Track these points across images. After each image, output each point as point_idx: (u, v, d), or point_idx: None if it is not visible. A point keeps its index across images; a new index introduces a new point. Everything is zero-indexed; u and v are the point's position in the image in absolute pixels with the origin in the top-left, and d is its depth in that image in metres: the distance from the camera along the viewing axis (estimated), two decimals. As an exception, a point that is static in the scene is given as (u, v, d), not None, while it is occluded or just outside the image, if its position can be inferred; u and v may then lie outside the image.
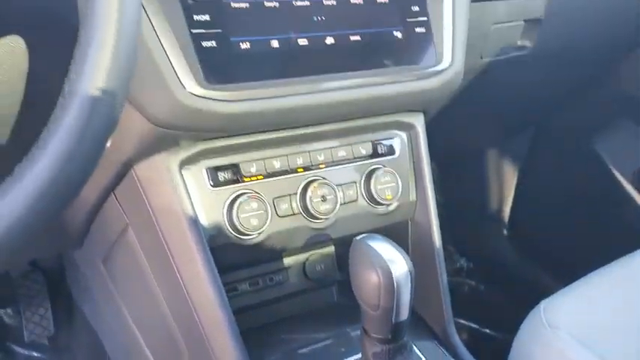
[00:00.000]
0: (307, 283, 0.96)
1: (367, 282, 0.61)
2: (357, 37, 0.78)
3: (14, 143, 0.72)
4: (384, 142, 0.91)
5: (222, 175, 0.78)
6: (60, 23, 0.65)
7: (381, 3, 0.80)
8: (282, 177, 0.81)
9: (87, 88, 0.43)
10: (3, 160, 0.57)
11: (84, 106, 0.43)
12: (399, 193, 0.89)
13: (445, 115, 1.00)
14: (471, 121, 1.37)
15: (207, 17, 0.68)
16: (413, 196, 0.93)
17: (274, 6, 0.73)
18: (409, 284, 0.61)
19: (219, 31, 0.69)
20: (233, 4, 0.70)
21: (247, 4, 0.71)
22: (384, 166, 0.89)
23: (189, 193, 0.75)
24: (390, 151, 0.91)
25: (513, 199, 1.70)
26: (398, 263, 0.61)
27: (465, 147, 1.65)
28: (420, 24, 0.82)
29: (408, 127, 0.92)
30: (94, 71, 0.43)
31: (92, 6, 0.44)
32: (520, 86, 1.30)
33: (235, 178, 0.78)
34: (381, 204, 0.88)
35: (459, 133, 1.42)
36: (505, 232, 1.72)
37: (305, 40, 0.74)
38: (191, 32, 0.67)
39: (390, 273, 0.60)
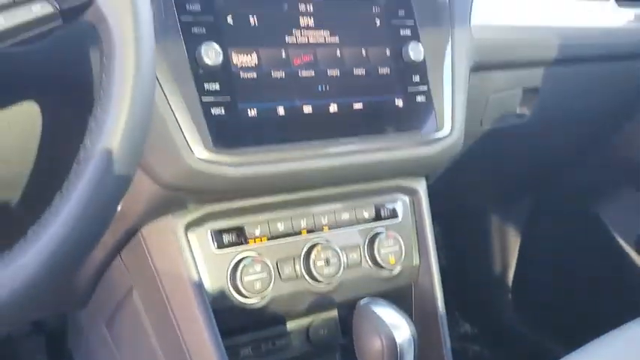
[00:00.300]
0: (310, 348, 0.95)
1: (371, 348, 0.61)
2: (360, 105, 0.81)
3: (25, 205, 0.73)
4: (387, 205, 0.92)
5: (226, 238, 0.79)
6: (74, 89, 0.67)
7: (383, 73, 0.83)
8: (286, 239, 0.82)
9: (101, 156, 0.45)
10: (14, 221, 0.59)
11: (98, 173, 0.44)
12: (403, 257, 0.90)
13: (447, 180, 1.02)
14: (472, 185, 1.39)
15: (217, 86, 0.71)
16: (416, 260, 0.94)
17: (281, 76, 0.76)
18: (412, 350, 0.61)
19: (228, 98, 0.71)
20: (242, 74, 0.73)
21: (255, 74, 0.74)
22: (387, 230, 0.90)
23: (193, 256, 0.76)
24: (393, 214, 0.93)
25: (516, 262, 1.70)
26: (401, 329, 0.61)
27: (468, 210, 1.66)
28: (421, 93, 0.85)
29: (411, 192, 0.93)
30: (109, 140, 0.45)
31: (108, 75, 0.46)
32: (520, 152, 1.33)
33: (239, 240, 0.79)
34: (385, 268, 0.89)
35: (461, 197, 1.44)
36: (509, 296, 1.71)
37: (310, 107, 0.77)
38: (201, 100, 0.69)
39: (394, 339, 0.60)
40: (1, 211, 0.74)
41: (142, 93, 0.47)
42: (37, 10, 0.45)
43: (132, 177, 0.49)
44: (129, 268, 0.82)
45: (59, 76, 0.65)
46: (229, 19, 0.73)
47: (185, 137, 0.68)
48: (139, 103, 0.47)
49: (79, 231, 0.44)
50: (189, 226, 0.76)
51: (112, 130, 0.45)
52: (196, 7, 0.71)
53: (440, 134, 0.86)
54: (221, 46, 0.70)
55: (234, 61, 0.73)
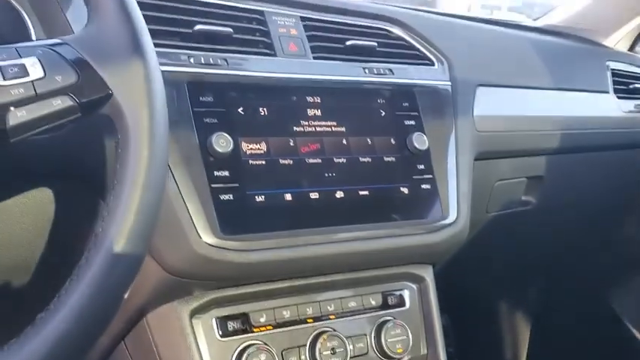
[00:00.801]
0: None
1: None
2: (366, 192, 0.82)
3: (34, 291, 0.74)
4: (394, 293, 0.92)
5: (231, 325, 0.78)
6: (87, 176, 0.69)
7: (389, 161, 0.85)
8: (292, 327, 0.81)
9: (112, 244, 0.45)
10: (23, 307, 0.59)
11: (108, 261, 0.45)
12: (410, 346, 0.88)
13: (454, 267, 1.02)
14: (480, 271, 1.38)
15: (226, 173, 0.72)
16: (424, 350, 0.92)
17: (288, 163, 0.78)
18: None
19: (237, 185, 0.73)
20: (251, 162, 0.75)
21: (264, 161, 0.76)
22: (395, 318, 0.89)
23: (198, 344, 0.75)
24: (401, 302, 0.92)
25: (527, 352, 1.66)
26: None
27: (476, 297, 1.64)
28: (426, 181, 0.86)
29: (418, 279, 0.93)
30: (120, 229, 0.46)
31: (122, 166, 0.48)
32: (527, 237, 1.33)
33: (244, 327, 0.78)
34: (392, 358, 0.87)
35: (469, 284, 1.43)
36: (521, 387, 1.66)
37: (317, 194, 0.78)
38: (210, 186, 0.71)
39: None
40: (10, 297, 0.75)
41: (155, 184, 0.48)
42: (58, 104, 0.47)
43: (141, 264, 0.50)
44: (132, 355, 0.81)
45: (73, 163, 0.67)
46: (240, 110, 0.76)
47: (193, 223, 0.69)
48: (150, 193, 0.48)
49: (87, 319, 0.44)
50: (194, 313, 0.76)
51: (123, 220, 0.46)
52: (209, 98, 0.74)
53: (445, 222, 0.87)
54: (231, 135, 0.73)
55: (244, 150, 0.75)
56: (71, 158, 0.66)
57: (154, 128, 0.49)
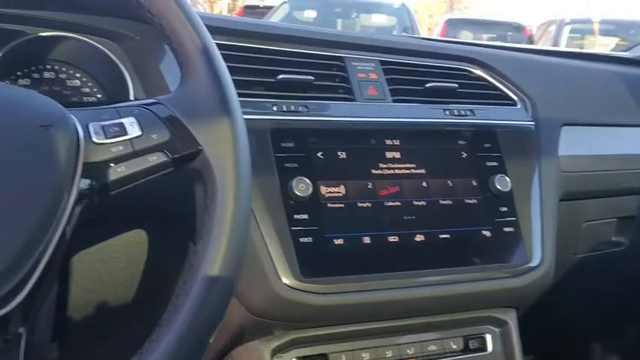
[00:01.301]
0: None
1: None
2: (447, 235, 0.82)
3: (129, 326, 0.78)
4: (476, 337, 0.90)
5: (311, 365, 0.79)
6: (177, 221, 0.73)
7: (470, 203, 0.84)
8: (370, 370, 0.82)
9: (199, 291, 0.48)
10: (118, 343, 0.63)
11: (195, 308, 0.48)
12: (492, 392, 0.86)
13: (540, 307, 0.98)
14: (567, 315, 1.32)
15: (305, 216, 0.74)
16: (506, 395, 0.89)
17: (367, 206, 0.79)
18: None
19: (316, 228, 0.75)
20: (329, 205, 0.76)
21: (342, 204, 0.77)
22: (476, 363, 0.87)
23: (279, 383, 0.76)
24: (483, 346, 0.90)
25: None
26: None
27: (562, 343, 1.56)
28: (509, 223, 0.85)
29: (500, 323, 0.91)
30: (207, 277, 0.49)
31: (210, 216, 0.51)
32: (618, 278, 1.26)
33: (323, 367, 0.79)
34: (474, 402, 0.85)
35: (554, 329, 1.37)
36: None
37: (396, 237, 0.79)
38: (291, 230, 0.73)
39: None
40: (105, 333, 0.79)
41: (239, 233, 0.51)
42: (153, 160, 0.51)
43: (226, 308, 0.52)
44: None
45: (164, 208, 0.71)
46: (319, 155, 0.78)
47: (274, 265, 0.71)
48: (236, 241, 0.50)
49: (184, 349, 0.47)
50: (275, 352, 0.77)
51: (210, 268, 0.49)
52: (290, 144, 0.77)
53: (529, 265, 0.85)
54: (311, 179, 0.75)
55: (323, 193, 0.77)
56: (163, 204, 0.71)
57: (238, 183, 0.51)
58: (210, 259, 0.49)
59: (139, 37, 0.79)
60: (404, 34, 4.97)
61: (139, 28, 0.77)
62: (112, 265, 0.75)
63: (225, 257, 0.50)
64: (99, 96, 0.84)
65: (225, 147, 0.52)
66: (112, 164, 0.50)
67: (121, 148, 0.51)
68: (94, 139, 0.50)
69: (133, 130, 0.51)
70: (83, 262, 0.73)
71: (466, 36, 7.73)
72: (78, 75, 0.83)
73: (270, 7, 7.44)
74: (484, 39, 7.76)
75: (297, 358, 0.79)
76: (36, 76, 0.82)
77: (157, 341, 0.47)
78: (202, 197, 0.54)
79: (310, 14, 6.26)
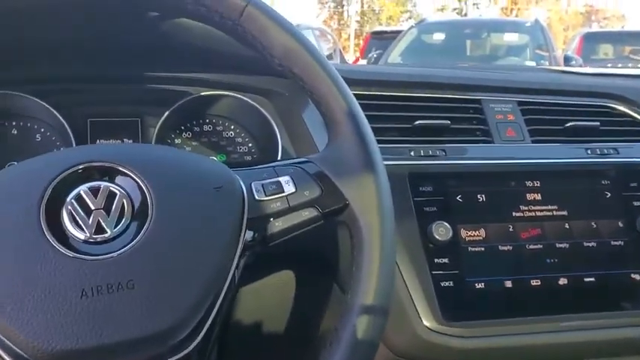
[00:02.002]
0: None
1: None
2: (592, 279, 0.79)
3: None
4: (626, 383, 0.86)
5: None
6: (324, 264, 0.79)
7: (616, 245, 0.82)
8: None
9: (349, 343, 0.52)
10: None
11: (347, 356, 0.52)
12: None
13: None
14: None
15: (446, 260, 0.76)
16: None
17: (508, 249, 0.79)
18: None
19: (456, 272, 0.76)
20: (470, 248, 0.78)
21: (483, 248, 0.78)
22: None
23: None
24: (635, 393, 0.86)
25: None
26: None
27: None
28: (661, 267, 0.81)
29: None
30: (357, 327, 0.52)
31: (358, 268, 0.55)
32: None
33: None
34: None
35: None
36: None
37: (538, 280, 0.78)
38: (431, 273, 0.75)
39: None
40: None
41: (386, 286, 0.54)
42: (306, 215, 0.57)
43: (375, 354, 0.55)
44: None
45: (313, 253, 0.76)
46: (458, 198, 0.80)
47: (416, 308, 0.74)
48: (382, 294, 0.54)
49: None
50: (417, 392, 0.79)
51: (359, 319, 0.52)
52: (429, 188, 0.80)
53: (685, 311, 0.80)
54: (450, 223, 0.77)
55: (463, 237, 0.78)
56: (311, 249, 0.76)
57: (384, 238, 0.55)
58: (359, 312, 0.53)
59: (288, 92, 0.86)
60: (542, 66, 4.79)
61: (288, 84, 0.84)
62: (264, 302, 0.81)
63: (373, 310, 0.53)
64: (250, 145, 0.92)
65: (371, 203, 0.56)
66: (271, 219, 0.56)
67: (278, 204, 0.56)
68: (256, 197, 0.56)
69: (289, 187, 0.57)
70: (240, 300, 0.80)
71: (606, 50, 7.29)
72: (232, 127, 0.92)
73: (397, 32, 7.49)
74: (626, 52, 7.26)
75: (438, 396, 0.80)
76: (197, 129, 0.92)
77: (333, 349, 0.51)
78: (349, 248, 0.58)
79: (439, 37, 6.22)
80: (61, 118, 0.82)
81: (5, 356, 0.47)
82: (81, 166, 0.52)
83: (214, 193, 0.54)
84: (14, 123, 0.85)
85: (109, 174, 0.52)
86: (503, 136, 0.87)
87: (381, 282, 0.54)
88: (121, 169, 0.52)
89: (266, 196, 0.56)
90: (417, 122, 0.84)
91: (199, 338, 0.51)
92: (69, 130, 0.82)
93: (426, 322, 0.74)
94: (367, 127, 0.59)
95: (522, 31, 6.00)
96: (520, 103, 0.90)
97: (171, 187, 0.52)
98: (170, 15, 0.71)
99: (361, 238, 0.56)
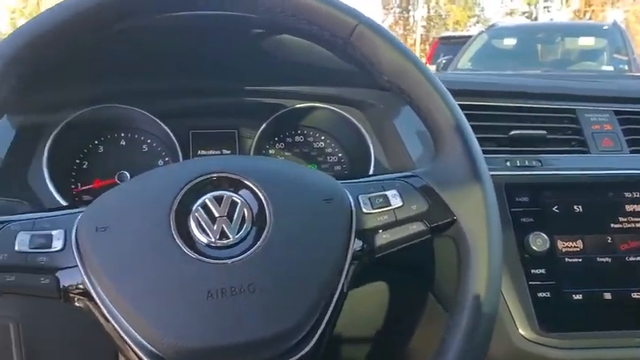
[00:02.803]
0: None
1: None
2: (698, 293, 0.77)
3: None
4: None
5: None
6: (421, 272, 0.80)
7: None
8: None
9: (460, 351, 0.53)
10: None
11: None
12: None
13: None
14: None
15: (542, 271, 0.76)
16: None
17: (606, 261, 0.78)
18: None
19: (553, 283, 0.76)
20: (567, 259, 0.77)
21: (580, 259, 0.77)
22: None
23: None
24: None
25: None
26: None
27: None
28: None
29: None
30: (465, 341, 0.54)
31: (463, 284, 0.56)
32: None
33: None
34: None
35: None
36: None
37: (639, 293, 0.77)
38: (528, 284, 0.75)
39: None
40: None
41: (492, 305, 0.55)
42: (413, 229, 0.58)
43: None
44: None
45: (411, 263, 0.78)
46: (555, 209, 0.80)
47: (513, 318, 0.74)
48: (488, 315, 0.55)
49: None
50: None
51: (465, 341, 0.54)
52: (525, 198, 0.80)
53: None
54: (547, 234, 0.77)
55: (560, 248, 0.78)
56: (411, 262, 0.77)
57: (492, 255, 0.56)
58: (466, 330, 0.54)
59: (382, 104, 0.87)
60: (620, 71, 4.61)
61: (382, 95, 0.86)
62: (360, 307, 0.83)
63: (478, 333, 0.54)
64: (340, 155, 0.95)
65: (479, 218, 0.57)
66: (379, 231, 0.58)
67: (386, 217, 0.58)
68: (364, 209, 0.58)
69: (396, 201, 0.59)
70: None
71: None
72: (322, 138, 0.95)
73: (465, 37, 7.37)
74: None
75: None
76: (289, 140, 0.95)
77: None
78: (450, 261, 0.59)
79: (510, 42, 6.09)
80: (167, 129, 0.87)
81: (137, 350, 0.51)
82: (208, 176, 0.55)
83: (325, 205, 0.56)
84: (122, 134, 0.90)
85: (233, 185, 0.56)
86: (599, 146, 0.86)
87: (489, 298, 0.55)
88: (243, 180, 0.55)
89: (373, 209, 0.58)
90: (513, 132, 0.84)
91: (313, 342, 0.53)
92: (174, 140, 0.87)
93: (522, 332, 0.74)
94: (474, 141, 0.60)
95: (599, 35, 5.79)
96: (617, 113, 0.88)
97: (286, 198, 0.55)
98: (280, 32, 0.74)
99: (469, 255, 0.57)
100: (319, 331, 0.54)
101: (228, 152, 0.92)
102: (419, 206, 0.59)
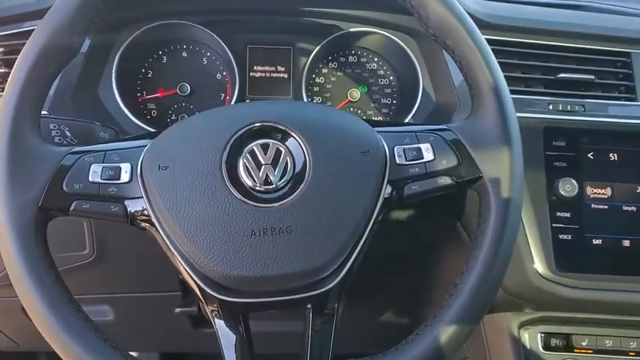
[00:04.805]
0: None
1: None
2: None
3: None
4: None
5: (554, 342, 0.88)
6: (451, 205, 0.85)
7: None
8: (613, 356, 0.88)
9: (469, 295, 0.60)
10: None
11: (466, 305, 0.60)
12: None
13: None
14: None
15: (567, 214, 0.81)
16: None
17: (632, 210, 0.81)
18: None
19: (577, 227, 0.81)
20: (593, 205, 0.81)
21: (606, 206, 0.81)
22: None
23: (522, 351, 0.87)
24: None
25: None
26: None
27: None
28: None
29: None
30: (483, 276, 0.60)
31: (482, 235, 0.62)
32: None
33: (566, 347, 0.88)
34: None
35: None
36: None
37: (658, 243, 0.81)
38: (551, 226, 0.80)
39: None
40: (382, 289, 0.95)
41: (506, 253, 0.61)
42: (441, 182, 0.63)
43: (494, 299, 0.63)
44: (467, 349, 0.97)
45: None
46: (590, 155, 0.82)
47: (532, 255, 0.80)
48: (501, 262, 0.61)
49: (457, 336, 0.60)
50: (522, 325, 0.88)
51: (481, 280, 0.60)
52: (561, 143, 0.82)
53: None
54: (578, 180, 0.80)
55: (588, 194, 0.81)
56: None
57: (510, 212, 0.61)
58: (482, 276, 0.60)
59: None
60: None
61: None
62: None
63: (492, 278, 0.61)
64: (391, 79, 0.97)
65: (504, 181, 0.61)
66: (409, 181, 0.63)
67: (417, 169, 0.63)
68: (397, 161, 0.63)
69: (428, 155, 0.63)
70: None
71: None
72: (376, 59, 0.97)
73: None
74: None
75: (542, 333, 0.88)
76: (342, 59, 0.98)
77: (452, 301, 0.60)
78: (476, 215, 0.65)
79: None
80: (224, 45, 0.91)
81: (192, 274, 0.60)
82: (257, 125, 0.61)
83: (362, 157, 0.62)
84: (184, 46, 0.95)
85: (280, 133, 0.61)
86: (649, 94, 0.85)
87: (502, 253, 0.61)
88: (289, 132, 0.61)
89: (407, 161, 0.63)
90: (560, 75, 0.84)
91: (339, 278, 0.61)
92: (231, 55, 0.91)
93: (539, 269, 0.80)
94: (511, 106, 0.63)
95: None
96: (674, 61, 0.87)
97: (326, 149, 0.61)
98: None
99: (489, 210, 0.62)
100: (345, 269, 0.61)
101: (283, 69, 0.96)
102: (449, 161, 0.63)
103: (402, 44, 0.92)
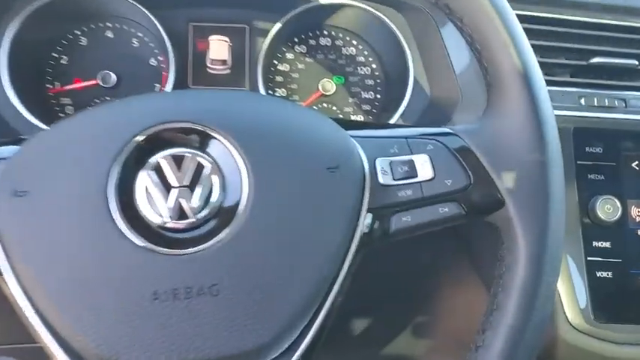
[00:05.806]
0: None
1: None
2: None
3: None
4: None
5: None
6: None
7: None
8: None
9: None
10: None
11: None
12: None
13: None
14: None
15: (607, 244, 0.63)
16: None
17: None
18: None
19: (619, 260, 0.63)
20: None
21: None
22: None
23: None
24: None
25: None
26: None
27: None
28: None
29: None
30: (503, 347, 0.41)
31: (506, 288, 0.42)
32: None
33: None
34: None
35: None
36: None
37: None
38: (586, 260, 0.63)
39: None
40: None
41: (539, 323, 0.41)
42: (444, 211, 0.43)
43: None
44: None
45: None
46: (634, 165, 0.66)
47: (561, 302, 0.61)
48: (533, 334, 0.41)
49: None
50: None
51: (505, 342, 0.41)
52: (598, 149, 0.65)
53: None
54: (620, 198, 0.63)
55: (634, 217, 0.64)
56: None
57: (547, 260, 0.41)
58: (507, 332, 0.41)
59: (428, 9, 0.69)
60: None
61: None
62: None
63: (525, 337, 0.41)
64: (374, 66, 0.78)
65: (536, 212, 0.42)
66: (398, 210, 0.43)
67: (409, 192, 0.43)
68: (381, 180, 0.43)
69: (425, 171, 0.43)
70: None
71: None
72: (354, 43, 0.78)
73: None
74: None
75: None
76: (312, 42, 0.78)
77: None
78: (496, 258, 0.45)
79: None
80: (156, 22, 0.71)
81: (55, 352, 0.39)
82: (166, 126, 0.40)
83: (328, 174, 0.41)
84: (110, 25, 0.75)
85: (200, 139, 0.41)
86: None
87: (534, 324, 0.41)
88: (215, 135, 0.40)
89: (394, 180, 0.43)
90: (595, 60, 0.66)
91: (300, 351, 0.41)
92: (165, 35, 0.71)
93: (572, 320, 0.61)
94: (547, 101, 0.43)
95: None
96: None
97: (274, 164, 0.40)
98: None
99: (516, 254, 0.42)
100: (306, 339, 0.41)
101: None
102: (455, 182, 0.43)
103: (387, 21, 0.73)
